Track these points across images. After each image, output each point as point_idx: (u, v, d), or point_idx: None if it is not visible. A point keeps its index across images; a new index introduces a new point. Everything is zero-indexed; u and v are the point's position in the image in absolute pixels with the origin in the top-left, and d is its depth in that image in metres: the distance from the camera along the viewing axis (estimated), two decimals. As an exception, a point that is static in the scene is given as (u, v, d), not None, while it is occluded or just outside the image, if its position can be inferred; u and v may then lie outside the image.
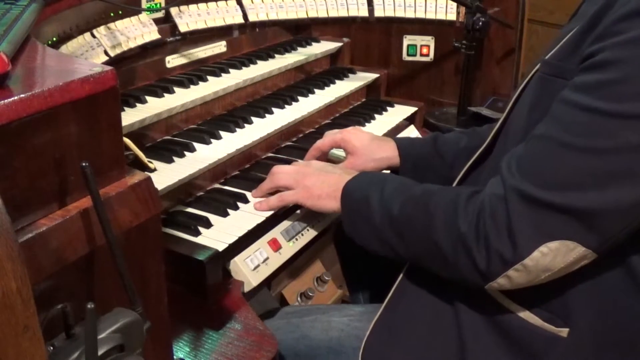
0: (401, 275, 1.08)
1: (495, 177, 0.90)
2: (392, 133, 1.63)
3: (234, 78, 1.52)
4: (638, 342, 0.91)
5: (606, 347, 0.91)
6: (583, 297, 0.90)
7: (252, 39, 1.78)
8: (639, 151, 0.78)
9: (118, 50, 1.39)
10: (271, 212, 1.17)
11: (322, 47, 1.88)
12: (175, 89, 1.40)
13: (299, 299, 1.59)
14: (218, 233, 1.10)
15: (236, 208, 1.18)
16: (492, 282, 0.88)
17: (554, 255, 0.83)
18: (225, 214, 1.16)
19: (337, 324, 1.14)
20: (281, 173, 1.19)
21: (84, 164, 0.63)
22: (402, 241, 0.98)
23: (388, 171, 1.33)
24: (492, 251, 0.85)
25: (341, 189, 1.08)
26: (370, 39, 2.02)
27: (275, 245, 1.13)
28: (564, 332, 0.91)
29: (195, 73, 1.50)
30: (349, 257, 1.50)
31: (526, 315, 0.93)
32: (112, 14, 1.43)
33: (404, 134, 1.66)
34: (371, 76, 1.85)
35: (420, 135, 1.70)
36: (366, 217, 1.02)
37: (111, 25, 1.41)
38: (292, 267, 1.24)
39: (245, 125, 1.41)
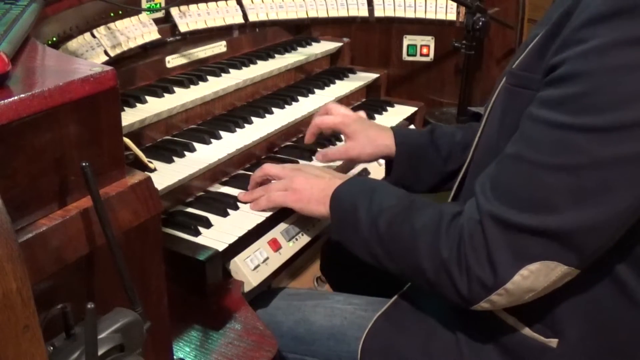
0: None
1: (472, 200, 0.88)
2: (392, 133, 1.63)
3: (234, 78, 1.52)
4: (628, 351, 0.90)
5: (597, 356, 0.90)
6: (571, 308, 0.89)
7: (252, 39, 1.78)
8: (610, 166, 0.75)
9: (118, 50, 1.39)
10: (271, 212, 1.17)
11: (322, 47, 1.88)
12: (175, 89, 1.40)
13: (299, 299, 1.59)
14: (218, 233, 1.10)
15: (236, 208, 1.18)
16: (475, 306, 0.87)
17: (535, 276, 0.81)
18: (225, 214, 1.16)
19: (341, 311, 1.13)
20: (273, 182, 1.17)
21: (84, 164, 0.63)
22: (388, 258, 0.97)
23: (383, 161, 1.33)
24: (473, 278, 0.84)
25: (330, 194, 1.06)
26: (370, 39, 2.02)
27: (275, 245, 1.13)
28: (553, 342, 0.91)
29: (195, 73, 1.50)
30: (334, 265, 1.51)
31: (516, 324, 0.93)
32: (112, 14, 1.43)
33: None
34: (371, 76, 1.85)
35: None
36: (354, 228, 1.01)
37: (111, 25, 1.41)
38: (292, 267, 1.24)
39: (245, 125, 1.41)
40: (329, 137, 1.49)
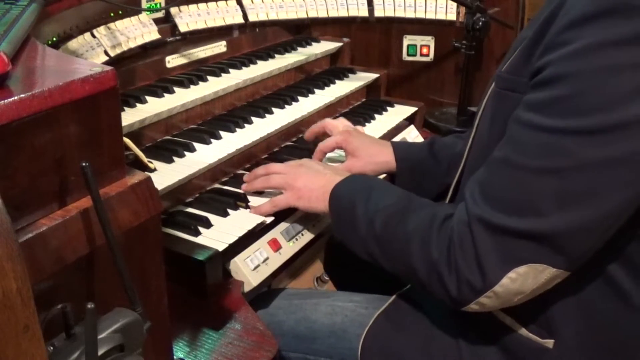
0: None
1: (462, 203, 0.89)
2: (392, 133, 1.63)
3: (234, 78, 1.52)
4: (625, 352, 0.91)
5: (593, 357, 0.91)
6: (565, 309, 0.89)
7: (252, 39, 1.78)
8: (598, 167, 0.75)
9: (118, 50, 1.39)
10: (273, 218, 1.17)
11: (322, 47, 1.88)
12: (175, 89, 1.40)
13: (299, 299, 1.59)
14: (218, 233, 1.10)
15: (236, 208, 1.18)
16: (465, 307, 0.88)
17: (523, 279, 0.82)
18: (225, 214, 1.16)
19: (342, 309, 1.14)
20: (274, 174, 1.19)
21: (84, 164, 0.63)
22: (384, 256, 0.98)
23: (384, 175, 1.33)
24: (462, 280, 0.85)
25: (329, 191, 1.07)
26: (370, 39, 2.02)
27: (275, 245, 1.13)
28: (549, 343, 0.91)
29: (195, 73, 1.50)
30: (336, 262, 1.51)
31: (514, 325, 0.93)
32: (112, 14, 1.43)
33: (403, 134, 1.66)
34: (371, 76, 1.85)
35: (420, 135, 1.70)
36: (352, 226, 1.01)
37: (111, 25, 1.41)
38: (292, 267, 1.24)
39: (245, 125, 1.41)
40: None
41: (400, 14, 1.90)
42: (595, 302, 0.88)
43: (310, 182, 1.13)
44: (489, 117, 0.95)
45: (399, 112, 1.76)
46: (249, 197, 1.22)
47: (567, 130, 0.76)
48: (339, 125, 1.38)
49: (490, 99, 0.96)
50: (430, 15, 1.90)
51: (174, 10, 1.59)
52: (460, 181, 1.07)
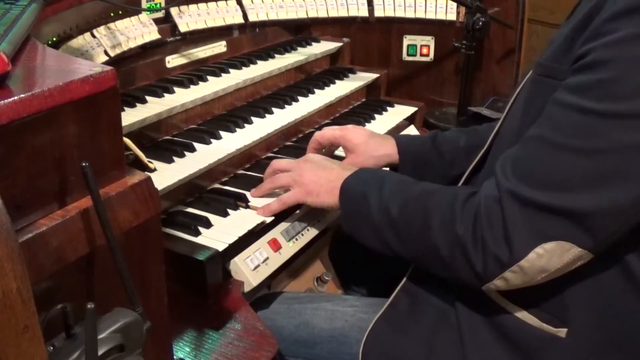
0: (407, 275, 1.09)
1: (490, 179, 0.90)
2: (392, 133, 1.63)
3: (234, 78, 1.52)
4: (636, 342, 0.91)
5: (604, 347, 0.91)
6: (581, 297, 0.90)
7: (252, 39, 1.78)
8: (631, 151, 0.78)
9: (118, 50, 1.39)
10: (273, 217, 1.17)
11: (322, 47, 1.88)
12: (175, 89, 1.40)
13: (299, 299, 1.58)
14: (218, 233, 1.10)
15: (236, 208, 1.18)
16: (489, 284, 0.88)
17: (549, 256, 0.83)
18: (225, 214, 1.16)
19: (342, 314, 1.14)
20: (280, 173, 1.19)
21: (84, 164, 0.63)
22: (400, 241, 0.98)
23: (387, 169, 1.33)
24: (489, 254, 0.86)
25: (339, 185, 1.08)
26: (370, 39, 2.02)
27: (275, 245, 1.13)
28: (562, 332, 0.91)
29: (195, 73, 1.50)
30: (342, 255, 1.51)
31: (524, 316, 0.93)
32: (112, 14, 1.43)
33: (404, 133, 1.66)
34: (371, 76, 1.85)
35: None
36: (365, 216, 1.02)
37: (111, 25, 1.41)
38: (292, 267, 1.24)
39: (245, 125, 1.41)
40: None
41: (400, 14, 1.91)
42: (610, 292, 0.89)
43: (317, 177, 1.13)
44: (523, 102, 0.96)
45: (399, 112, 1.76)
46: (249, 197, 1.22)
47: (601, 113, 0.79)
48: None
49: (526, 86, 0.97)
50: (430, 15, 1.90)
51: (174, 10, 1.59)
52: (478, 167, 1.08)
